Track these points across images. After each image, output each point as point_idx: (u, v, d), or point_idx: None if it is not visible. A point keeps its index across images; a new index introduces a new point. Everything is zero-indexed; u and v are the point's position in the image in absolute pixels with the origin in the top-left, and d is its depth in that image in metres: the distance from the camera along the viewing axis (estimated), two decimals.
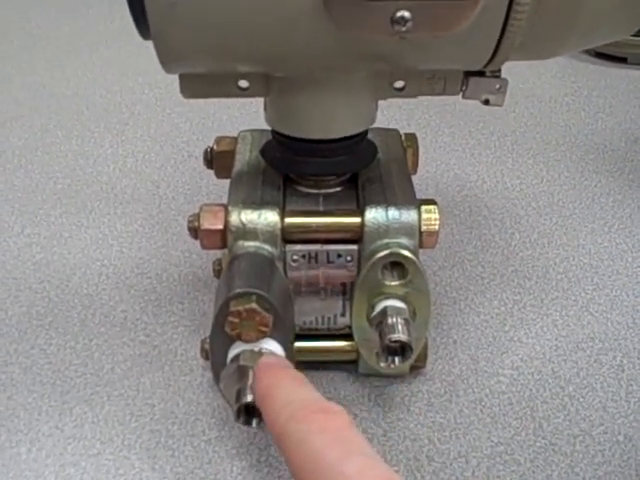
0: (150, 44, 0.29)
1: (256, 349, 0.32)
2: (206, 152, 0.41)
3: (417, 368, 0.39)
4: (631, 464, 0.35)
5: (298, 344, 0.37)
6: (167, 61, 0.30)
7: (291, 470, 0.25)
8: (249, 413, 0.31)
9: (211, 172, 0.42)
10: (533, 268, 0.47)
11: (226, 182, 0.38)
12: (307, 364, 0.39)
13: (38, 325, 0.43)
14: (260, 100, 0.36)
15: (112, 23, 0.83)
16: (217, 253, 0.45)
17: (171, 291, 0.45)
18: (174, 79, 0.33)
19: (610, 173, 0.56)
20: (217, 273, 0.42)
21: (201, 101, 0.35)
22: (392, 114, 0.63)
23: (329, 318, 0.37)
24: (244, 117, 0.63)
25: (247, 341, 0.32)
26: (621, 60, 0.74)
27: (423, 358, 0.39)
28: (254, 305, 0.31)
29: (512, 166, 0.57)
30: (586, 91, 0.69)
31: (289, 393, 0.27)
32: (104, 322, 0.43)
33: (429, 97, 0.35)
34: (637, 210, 0.52)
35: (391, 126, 0.42)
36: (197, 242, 0.36)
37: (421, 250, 0.35)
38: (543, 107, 0.65)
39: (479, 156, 0.58)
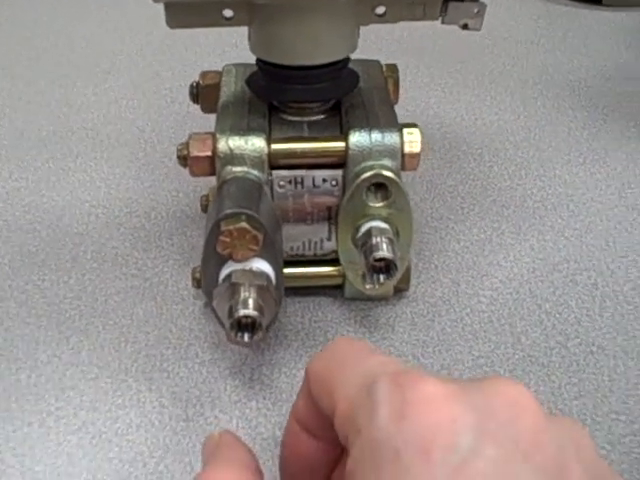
0: None
1: (247, 268, 0.33)
2: (192, 86, 0.42)
3: (400, 291, 0.41)
4: (604, 371, 0.37)
5: (286, 270, 0.38)
6: None
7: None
8: (241, 328, 0.33)
9: (194, 115, 0.43)
10: (511, 198, 0.49)
11: (211, 119, 0.38)
12: (295, 290, 0.40)
13: (31, 263, 0.44)
14: (241, 44, 0.36)
15: None
16: (204, 190, 0.47)
17: (160, 228, 0.46)
18: (154, 27, 0.34)
19: (585, 108, 0.58)
20: (204, 208, 0.43)
21: (182, 49, 0.36)
22: (371, 55, 0.63)
23: (315, 243, 0.38)
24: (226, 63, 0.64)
25: (238, 260, 0.33)
26: (595, 2, 0.75)
27: (406, 281, 0.40)
28: (244, 224, 0.32)
29: (490, 104, 0.58)
30: (561, 32, 0.70)
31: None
32: (96, 258, 0.44)
33: (407, 38, 0.36)
34: (611, 142, 0.54)
35: None
36: (184, 182, 0.36)
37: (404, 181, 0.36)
38: (520, 48, 0.66)
39: (458, 94, 0.60)
